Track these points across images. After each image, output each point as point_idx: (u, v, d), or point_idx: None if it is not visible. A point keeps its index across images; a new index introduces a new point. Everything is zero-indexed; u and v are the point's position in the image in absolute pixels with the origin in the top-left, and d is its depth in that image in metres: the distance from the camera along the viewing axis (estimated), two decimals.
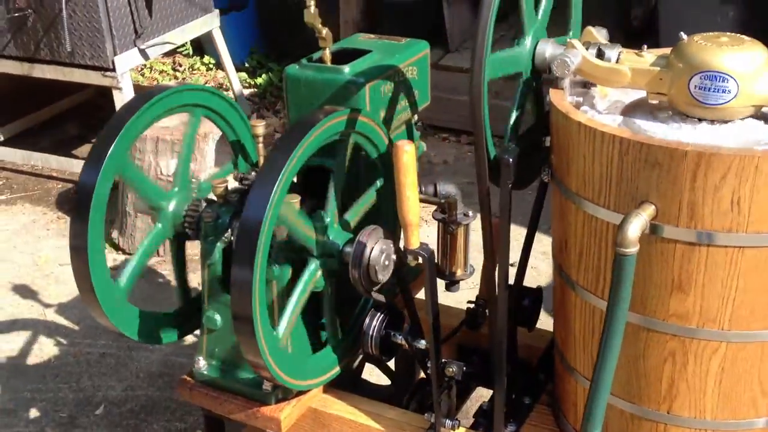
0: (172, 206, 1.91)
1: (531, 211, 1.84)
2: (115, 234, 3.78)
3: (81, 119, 5.02)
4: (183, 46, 5.57)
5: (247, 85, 5.48)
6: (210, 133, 3.60)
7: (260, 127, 2.03)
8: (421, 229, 2.05)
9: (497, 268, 1.72)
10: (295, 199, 1.79)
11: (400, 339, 1.90)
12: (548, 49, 1.71)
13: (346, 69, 1.92)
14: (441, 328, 1.85)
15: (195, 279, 2.02)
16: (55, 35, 3.92)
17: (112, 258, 3.71)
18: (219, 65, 5.08)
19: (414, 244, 1.71)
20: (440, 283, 2.10)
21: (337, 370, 1.93)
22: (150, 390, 2.94)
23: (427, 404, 2.03)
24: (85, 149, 4.77)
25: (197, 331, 2.00)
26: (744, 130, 1.53)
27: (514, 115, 1.72)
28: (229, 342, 1.87)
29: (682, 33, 1.58)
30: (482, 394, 2.33)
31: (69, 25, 3.82)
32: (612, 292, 1.43)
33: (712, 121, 1.54)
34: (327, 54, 1.95)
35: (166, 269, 3.52)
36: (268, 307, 1.71)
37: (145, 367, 3.06)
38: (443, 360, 1.86)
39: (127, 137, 1.79)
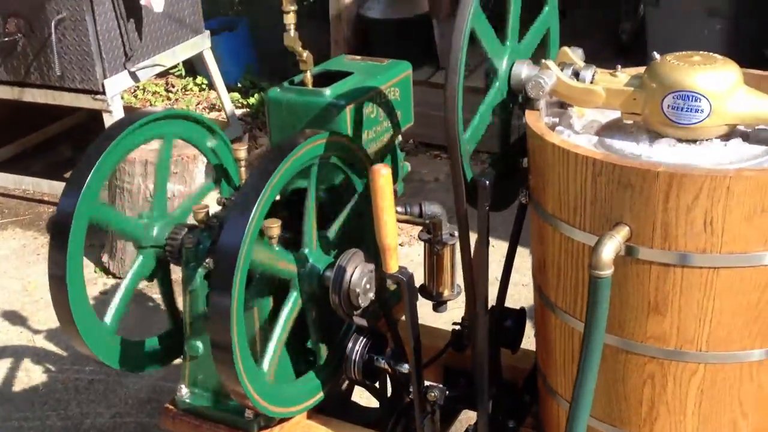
0: (153, 234, 1.91)
1: (510, 233, 1.84)
2: (105, 258, 3.77)
3: (73, 142, 5.02)
4: (175, 67, 5.58)
5: (240, 105, 5.49)
6: (199, 155, 3.60)
7: (242, 151, 2.03)
8: (412, 248, 2.05)
9: (476, 291, 1.72)
10: (275, 224, 1.79)
11: (383, 363, 1.89)
12: (524, 70, 1.71)
13: (327, 91, 1.92)
14: (426, 350, 1.84)
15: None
16: (45, 59, 3.93)
17: (102, 282, 3.70)
18: (212, 86, 5.09)
19: (393, 268, 1.70)
20: (428, 304, 2.11)
21: (320, 395, 1.92)
22: (139, 416, 2.92)
23: (412, 428, 2.02)
24: None
25: None
26: (719, 150, 1.53)
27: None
28: (212, 369, 1.85)
29: (654, 53, 1.58)
30: (471, 416, 2.31)
31: (58, 49, 3.84)
32: (588, 314, 1.43)
33: (687, 141, 1.54)
34: (308, 77, 1.96)
35: (157, 292, 3.51)
36: (250, 336, 1.71)
37: (134, 393, 3.04)
38: (426, 384, 1.85)
39: (106, 165, 1.79)
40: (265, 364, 1.73)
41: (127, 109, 4.98)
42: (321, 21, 5.17)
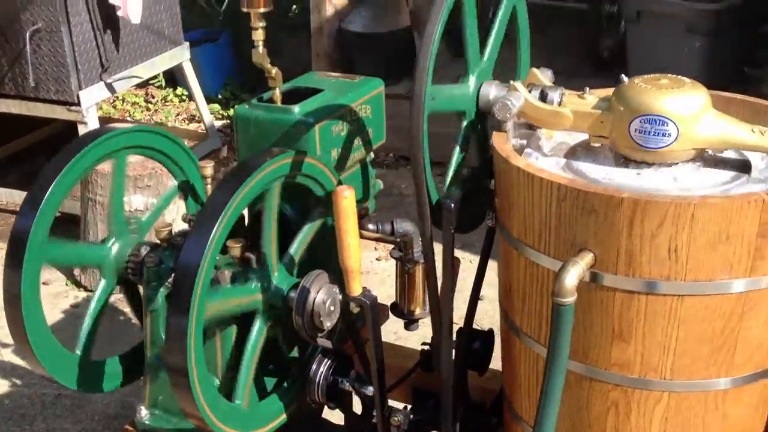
0: (113, 254, 1.87)
1: (480, 256, 1.81)
2: (77, 271, 3.71)
3: (49, 153, 4.95)
4: (155, 77, 5.54)
5: (220, 116, 5.45)
6: None
7: (209, 168, 2.00)
8: (389, 263, 2.03)
9: (441, 315, 1.69)
10: (238, 245, 1.76)
11: (347, 385, 1.85)
12: (492, 90, 1.69)
13: (296, 109, 1.89)
14: (395, 370, 1.81)
15: None
16: (19, 70, 3.88)
17: (74, 295, 3.64)
18: (191, 97, 5.06)
19: (356, 291, 1.67)
20: (399, 323, 2.08)
21: (283, 417, 1.88)
22: None
23: None
24: None
25: None
26: (687, 175, 1.51)
27: (456, 157, 1.69)
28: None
29: (623, 75, 1.56)
30: None
31: (33, 60, 3.79)
32: (551, 341, 1.40)
33: (655, 165, 1.51)
34: (277, 94, 1.93)
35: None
36: (213, 360, 1.68)
37: (102, 408, 2.99)
38: (391, 407, 1.81)
39: (65, 182, 1.76)
40: (237, 399, 1.70)
41: (104, 120, 4.93)
42: (305, 34, 5.15)
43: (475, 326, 1.96)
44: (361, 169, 2.13)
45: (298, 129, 1.87)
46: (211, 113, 5.20)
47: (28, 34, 3.72)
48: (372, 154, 2.15)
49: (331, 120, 1.93)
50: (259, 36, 1.83)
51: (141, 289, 1.96)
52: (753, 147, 1.48)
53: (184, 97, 5.67)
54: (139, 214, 1.95)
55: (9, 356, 3.29)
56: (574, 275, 1.36)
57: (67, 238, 1.95)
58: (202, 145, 4.87)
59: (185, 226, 1.97)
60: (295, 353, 1.94)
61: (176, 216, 3.06)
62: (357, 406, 1.95)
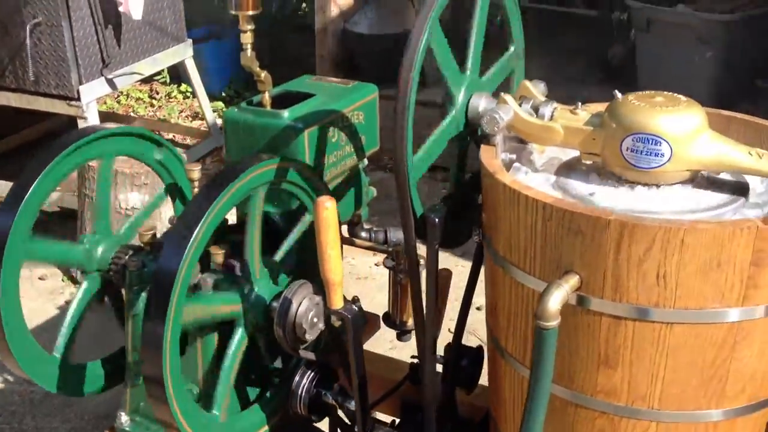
0: (96, 256, 1.84)
1: (469, 272, 1.76)
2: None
3: None
4: (160, 73, 5.51)
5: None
6: None
7: (195, 172, 1.96)
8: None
9: (425, 333, 1.64)
10: (220, 251, 1.72)
11: (330, 399, 1.81)
12: (482, 103, 1.64)
13: (285, 114, 1.85)
14: (384, 382, 1.77)
15: None
16: (20, 63, 3.85)
17: (69, 292, 3.61)
18: (195, 94, 5.03)
19: (337, 304, 1.63)
20: (392, 333, 2.03)
21: (265, 429, 1.84)
22: None
23: None
24: None
25: None
26: (679, 196, 1.45)
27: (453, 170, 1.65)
28: None
29: (616, 91, 1.50)
30: None
31: (33, 54, 3.76)
32: (534, 365, 1.35)
33: (648, 185, 1.46)
34: (266, 97, 1.89)
35: None
36: (194, 368, 1.63)
37: (92, 408, 2.96)
38: (373, 423, 1.77)
39: (46, 182, 1.74)
40: (215, 410, 1.66)
41: (107, 115, 4.90)
42: (310, 36, 5.10)
43: (472, 337, 1.92)
44: (354, 176, 2.09)
45: (287, 134, 1.84)
46: (215, 111, 5.17)
47: (28, 28, 3.69)
48: (366, 161, 2.11)
49: (322, 126, 1.89)
50: (247, 39, 1.80)
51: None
52: (750, 170, 1.43)
53: (188, 94, 5.64)
54: (135, 212, 1.92)
55: None
56: (558, 298, 1.31)
57: (65, 234, 1.92)
58: (205, 143, 4.84)
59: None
60: (278, 364, 1.90)
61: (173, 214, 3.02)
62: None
